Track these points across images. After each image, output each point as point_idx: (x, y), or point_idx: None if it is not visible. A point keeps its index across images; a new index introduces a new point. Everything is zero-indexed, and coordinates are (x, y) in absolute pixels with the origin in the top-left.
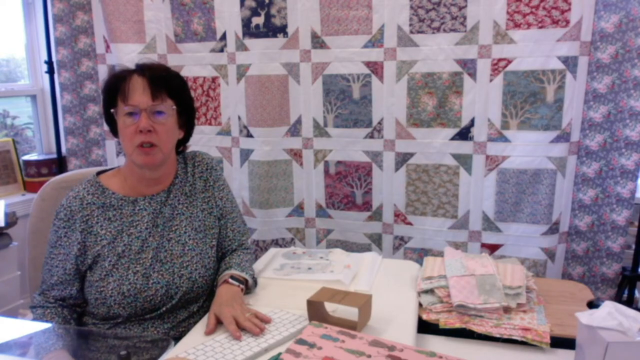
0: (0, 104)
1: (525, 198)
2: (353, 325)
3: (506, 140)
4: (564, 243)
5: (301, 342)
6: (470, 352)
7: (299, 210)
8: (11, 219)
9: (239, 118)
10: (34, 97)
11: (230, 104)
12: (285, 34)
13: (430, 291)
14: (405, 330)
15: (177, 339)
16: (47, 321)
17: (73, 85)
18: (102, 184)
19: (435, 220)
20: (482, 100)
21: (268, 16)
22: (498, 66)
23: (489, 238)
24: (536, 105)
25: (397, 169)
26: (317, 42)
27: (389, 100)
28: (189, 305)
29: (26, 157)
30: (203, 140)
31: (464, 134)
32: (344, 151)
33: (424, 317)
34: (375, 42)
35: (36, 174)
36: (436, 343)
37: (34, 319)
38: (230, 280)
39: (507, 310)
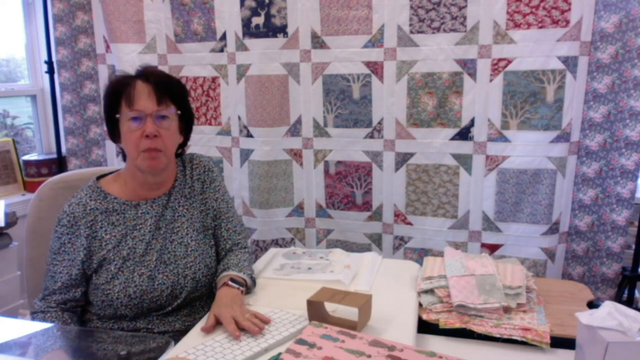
0: (0, 104)
1: (525, 198)
2: (353, 325)
3: (506, 140)
4: (564, 243)
5: (301, 342)
6: (470, 352)
7: (299, 210)
8: (11, 219)
9: (239, 118)
10: (34, 97)
11: (230, 104)
12: (285, 34)
13: (430, 291)
14: (405, 330)
15: (183, 333)
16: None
17: (73, 85)
18: (103, 189)
19: (435, 220)
20: (482, 100)
21: (268, 16)
22: (498, 66)
23: (489, 238)
24: (536, 105)
25: (397, 169)
26: (317, 42)
27: (389, 100)
28: (194, 303)
29: (26, 157)
30: (203, 140)
31: (464, 134)
32: (344, 151)
33: (424, 317)
34: (375, 42)
35: (36, 174)
36: (436, 343)
37: None
38: (230, 282)
39: (507, 310)
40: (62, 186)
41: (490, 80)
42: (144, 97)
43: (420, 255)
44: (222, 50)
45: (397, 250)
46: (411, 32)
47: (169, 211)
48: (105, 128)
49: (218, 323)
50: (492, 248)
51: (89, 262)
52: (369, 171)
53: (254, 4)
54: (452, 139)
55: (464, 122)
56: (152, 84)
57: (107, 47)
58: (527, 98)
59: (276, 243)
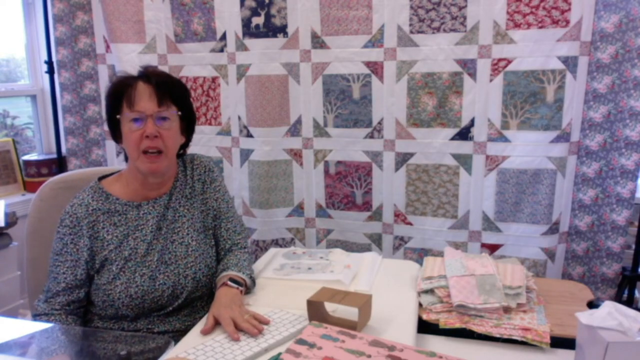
0: (0, 104)
1: (525, 198)
2: (353, 325)
3: (506, 140)
4: (564, 243)
5: (301, 342)
6: (470, 352)
7: (299, 210)
8: (11, 219)
9: (239, 118)
10: (34, 97)
11: (230, 104)
12: (285, 34)
13: (430, 291)
14: (405, 330)
15: (183, 333)
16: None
17: (73, 85)
18: (105, 190)
19: (435, 220)
20: (482, 100)
21: (268, 16)
22: (498, 66)
23: (489, 238)
24: (536, 105)
25: (397, 169)
26: (317, 42)
27: (389, 100)
28: (194, 303)
29: (26, 157)
30: (203, 140)
31: (464, 134)
32: (344, 151)
33: (424, 317)
34: (375, 42)
35: (36, 174)
36: (436, 343)
37: None
38: (229, 282)
39: (507, 310)
40: (62, 186)
41: (490, 80)
42: (145, 98)
43: (420, 255)
44: (222, 50)
45: (397, 250)
46: (411, 32)
47: (170, 211)
48: (105, 128)
49: (217, 323)
50: (492, 248)
51: (91, 263)
52: (369, 171)
53: (254, 4)
54: (452, 139)
55: (464, 122)
56: (153, 85)
57: (107, 47)
58: (527, 98)
59: (276, 243)
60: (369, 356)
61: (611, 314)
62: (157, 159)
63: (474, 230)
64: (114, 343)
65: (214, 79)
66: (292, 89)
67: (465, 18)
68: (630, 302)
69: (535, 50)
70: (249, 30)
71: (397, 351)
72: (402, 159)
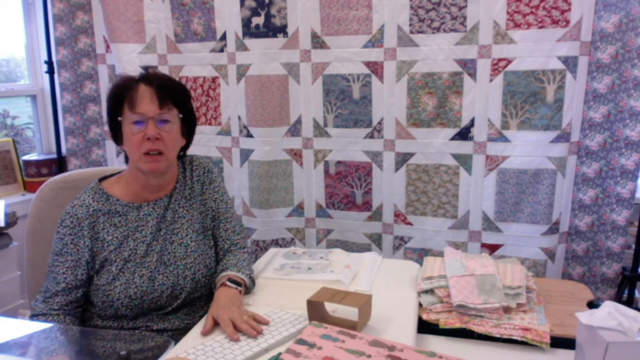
0: (0, 104)
1: (525, 198)
2: (353, 325)
3: (506, 140)
4: (564, 243)
5: (301, 342)
6: (470, 352)
7: (299, 210)
8: (11, 219)
9: (239, 118)
10: (34, 97)
11: (230, 104)
12: (285, 34)
13: (430, 291)
14: (405, 330)
15: (183, 332)
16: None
17: (73, 85)
18: (105, 191)
19: (435, 220)
20: (482, 100)
21: (268, 16)
22: (498, 66)
23: (489, 238)
24: (536, 105)
25: (397, 169)
26: (317, 42)
27: (389, 100)
28: (194, 302)
29: (26, 157)
30: (203, 140)
31: (464, 134)
32: (344, 151)
33: (424, 317)
34: (375, 42)
35: (36, 174)
36: (436, 343)
37: None
38: (228, 283)
39: (507, 310)
40: (62, 186)
41: (490, 80)
42: (146, 101)
43: (420, 255)
44: (222, 50)
45: (397, 250)
46: (411, 32)
47: (169, 213)
48: (105, 128)
49: (217, 324)
50: (492, 248)
51: (92, 263)
52: (369, 171)
53: (254, 4)
54: (452, 139)
55: (464, 122)
56: (154, 87)
57: (107, 47)
58: (527, 98)
59: (276, 243)
60: (369, 356)
61: (611, 314)
62: (158, 158)
63: (474, 230)
64: (114, 343)
65: (214, 79)
66: (292, 89)
67: (465, 18)
68: (630, 302)
69: (535, 50)
70: (249, 30)
71: (397, 351)
72: (402, 159)
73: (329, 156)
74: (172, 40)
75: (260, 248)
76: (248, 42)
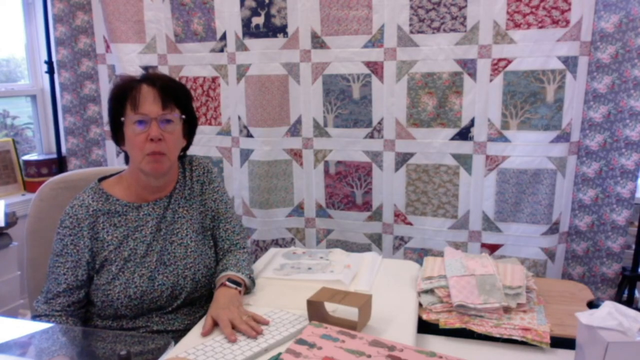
0: (0, 104)
1: (525, 198)
2: (353, 325)
3: (506, 140)
4: (564, 243)
5: (301, 342)
6: (470, 352)
7: (299, 210)
8: (11, 219)
9: (239, 118)
10: (34, 97)
11: (230, 104)
12: (285, 34)
13: (430, 291)
14: (405, 330)
15: (183, 332)
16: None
17: (73, 85)
18: (105, 191)
19: (435, 220)
20: (482, 100)
21: (268, 16)
22: (498, 66)
23: (489, 238)
24: (536, 105)
25: (397, 169)
26: (317, 42)
27: (389, 100)
28: (194, 302)
29: (26, 157)
30: (203, 140)
31: (464, 134)
32: (344, 151)
33: (424, 317)
34: (375, 42)
35: (36, 174)
36: (436, 343)
37: None
38: (228, 283)
39: (507, 310)
40: (62, 186)
41: (490, 80)
42: (149, 101)
43: (420, 255)
44: (222, 50)
45: (397, 250)
46: (411, 32)
47: (169, 213)
48: (105, 128)
49: (216, 324)
50: (492, 248)
51: (92, 263)
52: (369, 171)
53: (254, 4)
54: (452, 139)
55: (464, 122)
56: (157, 88)
57: (107, 47)
58: (527, 98)
59: (276, 243)
60: (369, 356)
61: (611, 314)
62: (161, 158)
63: (474, 230)
64: (114, 343)
65: (214, 79)
66: (292, 89)
67: (465, 18)
68: (630, 302)
69: (535, 50)
70: (249, 30)
71: (397, 351)
72: (402, 159)
73: (329, 156)
74: (172, 40)
75: (260, 248)
76: (248, 42)
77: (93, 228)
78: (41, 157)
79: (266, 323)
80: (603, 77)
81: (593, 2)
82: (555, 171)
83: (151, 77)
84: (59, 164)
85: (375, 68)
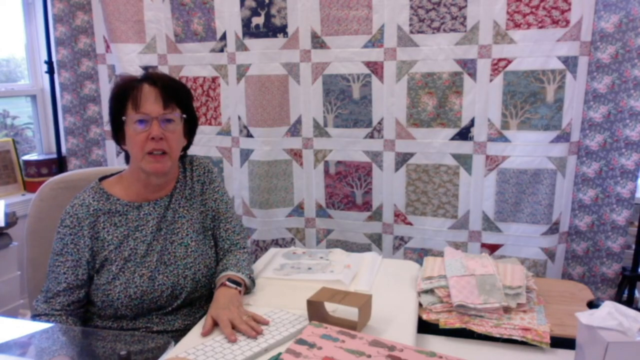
0: (0, 104)
1: (525, 198)
2: (353, 325)
3: (506, 140)
4: (564, 243)
5: (301, 342)
6: (470, 352)
7: (299, 210)
8: (11, 219)
9: (239, 118)
10: (34, 97)
11: (230, 104)
12: (285, 34)
13: (430, 291)
14: (405, 330)
15: (183, 332)
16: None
17: (73, 85)
18: (106, 191)
19: (435, 220)
20: (482, 100)
21: (268, 16)
22: (498, 66)
23: (489, 238)
24: (536, 105)
25: (397, 169)
26: (317, 42)
27: (389, 100)
28: (194, 302)
29: (26, 157)
30: (203, 140)
31: (464, 134)
32: (344, 151)
33: (424, 317)
34: (375, 42)
35: (36, 174)
36: (436, 343)
37: None
38: (228, 283)
39: (507, 310)
40: (62, 186)
41: (490, 80)
42: (150, 100)
43: (420, 255)
44: (222, 50)
45: (397, 250)
46: (411, 32)
47: (170, 212)
48: (105, 128)
49: (216, 324)
50: (492, 248)
51: (92, 263)
52: (369, 171)
53: (254, 4)
54: (452, 139)
55: (464, 122)
56: (158, 88)
57: (107, 47)
58: (527, 98)
59: (276, 243)
60: (369, 356)
61: (611, 314)
62: (162, 158)
63: (474, 230)
64: (114, 343)
65: (214, 79)
66: (292, 89)
67: (465, 18)
68: (630, 302)
69: (535, 50)
70: (249, 30)
71: (397, 351)
72: (402, 159)
73: (329, 156)
74: (172, 40)
75: (260, 248)
76: (248, 42)
77: (93, 227)
78: (41, 157)
79: (266, 323)
80: (603, 77)
81: (593, 2)
82: (555, 171)
83: (152, 77)
84: (59, 164)
85: (375, 68)
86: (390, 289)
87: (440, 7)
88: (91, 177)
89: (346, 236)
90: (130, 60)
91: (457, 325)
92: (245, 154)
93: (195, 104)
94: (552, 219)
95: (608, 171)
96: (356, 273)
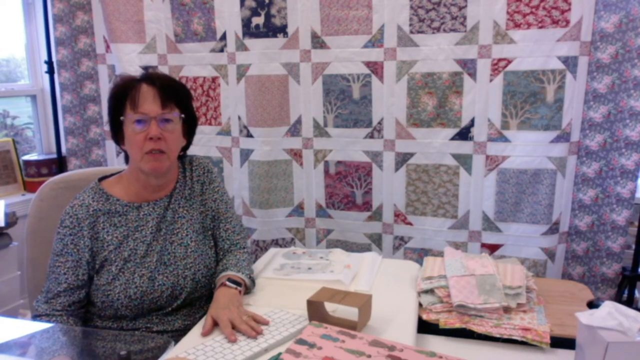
0: (0, 104)
1: (525, 198)
2: (353, 325)
3: (506, 140)
4: (564, 243)
5: (301, 342)
6: (470, 352)
7: (299, 210)
8: (11, 219)
9: (239, 118)
10: (34, 97)
11: (230, 104)
12: (285, 34)
13: (430, 291)
14: (405, 330)
15: (183, 332)
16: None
17: (73, 85)
18: (105, 191)
19: (435, 220)
20: (482, 100)
21: (268, 16)
22: (498, 66)
23: (489, 238)
24: (536, 105)
25: (397, 169)
26: (317, 42)
27: (389, 100)
28: (194, 302)
29: (26, 157)
30: (203, 140)
31: (464, 134)
32: (344, 151)
33: (424, 317)
34: (375, 42)
35: (36, 174)
36: (436, 343)
37: None
38: (228, 282)
39: (507, 310)
40: (62, 186)
41: (490, 80)
42: (149, 100)
43: (420, 255)
44: (222, 50)
45: (397, 250)
46: (411, 32)
47: (169, 213)
48: (105, 128)
49: (216, 324)
50: (492, 248)
51: (92, 263)
52: (369, 171)
53: (254, 4)
54: (452, 139)
55: (464, 122)
56: (157, 88)
57: (107, 47)
58: (527, 98)
59: (276, 243)
60: (369, 356)
61: (611, 314)
62: (160, 157)
63: (474, 230)
64: (114, 343)
65: (214, 79)
66: (292, 89)
67: (465, 18)
68: (630, 302)
69: (535, 50)
70: (249, 30)
71: (397, 351)
72: (402, 159)
73: (329, 156)
74: (172, 40)
75: (260, 248)
76: (248, 42)
77: (93, 228)
78: (41, 157)
79: (266, 323)
80: (603, 77)
81: (593, 2)
82: (555, 171)
83: (151, 77)
84: (59, 164)
85: (375, 68)
86: (390, 289)
87: (440, 7)
88: (91, 177)
89: (346, 236)
90: (130, 60)
91: (457, 325)
92: (245, 154)
93: (195, 104)
94: (552, 219)
95: (608, 171)
96: (356, 273)
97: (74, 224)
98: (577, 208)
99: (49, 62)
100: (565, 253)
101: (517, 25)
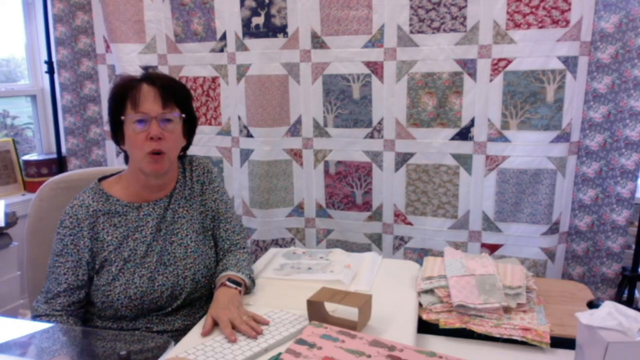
0: (0, 104)
1: (525, 198)
2: (353, 325)
3: (506, 140)
4: (564, 243)
5: (301, 342)
6: (470, 352)
7: (299, 210)
8: (11, 219)
9: (239, 118)
10: (34, 97)
11: (230, 104)
12: (285, 34)
13: (430, 291)
14: (405, 330)
15: (182, 332)
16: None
17: (73, 85)
18: (105, 191)
19: (435, 220)
20: (482, 100)
21: (268, 16)
22: (498, 66)
23: (489, 238)
24: (536, 105)
25: (397, 169)
26: (317, 42)
27: (389, 100)
28: (194, 303)
29: (26, 157)
30: (203, 140)
31: (464, 134)
32: (344, 151)
33: (424, 317)
34: (375, 42)
35: (36, 174)
36: (436, 343)
37: None
38: (228, 283)
39: (507, 310)
40: (62, 186)
41: (490, 80)
42: (149, 100)
43: (420, 255)
44: (222, 50)
45: (397, 250)
46: (411, 32)
47: (169, 213)
48: (105, 128)
49: (216, 324)
50: (492, 248)
51: (92, 263)
52: (369, 171)
53: (254, 4)
54: (452, 139)
55: (464, 122)
56: (157, 87)
57: (107, 47)
58: (527, 98)
59: (276, 243)
60: (369, 356)
61: (611, 314)
62: (160, 158)
63: (474, 230)
64: (114, 343)
65: (214, 79)
66: (292, 89)
67: (465, 18)
68: (630, 302)
69: (535, 50)
70: (249, 30)
71: (397, 351)
72: (402, 159)
73: (329, 156)
74: (172, 40)
75: (260, 248)
76: (248, 42)
77: (93, 228)
78: (41, 157)
79: (266, 323)
80: (603, 77)
81: (593, 2)
82: (555, 171)
83: (151, 77)
84: (59, 164)
85: (375, 68)
86: (390, 289)
87: (440, 7)
88: (91, 177)
89: (346, 236)
90: (130, 60)
91: (457, 325)
92: (245, 154)
93: (195, 104)
94: (552, 219)
95: (608, 171)
96: (356, 273)
97: (73, 224)
98: (577, 208)
99: (49, 62)
100: (565, 253)
101: (517, 25)
